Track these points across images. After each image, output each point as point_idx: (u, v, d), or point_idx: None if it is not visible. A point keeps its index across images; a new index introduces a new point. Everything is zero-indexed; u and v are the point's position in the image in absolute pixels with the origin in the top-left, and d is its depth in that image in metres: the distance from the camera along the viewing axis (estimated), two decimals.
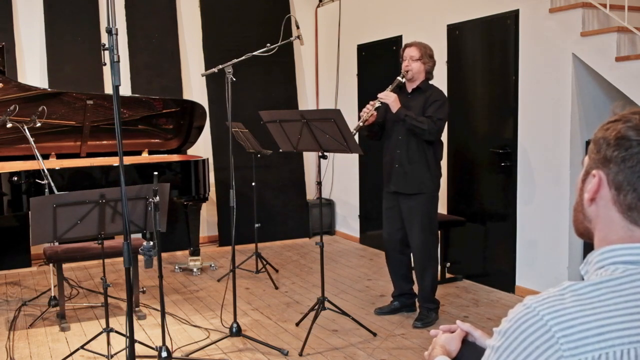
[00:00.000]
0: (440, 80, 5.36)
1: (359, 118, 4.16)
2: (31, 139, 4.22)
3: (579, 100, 4.34)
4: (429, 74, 4.22)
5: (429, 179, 4.15)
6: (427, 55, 4.17)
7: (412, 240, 4.20)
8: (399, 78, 4.14)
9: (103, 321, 3.68)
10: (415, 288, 4.42)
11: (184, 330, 4.15)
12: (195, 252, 5.71)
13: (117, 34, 2.46)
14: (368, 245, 6.58)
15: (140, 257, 3.59)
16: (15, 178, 4.61)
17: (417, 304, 4.34)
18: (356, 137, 3.94)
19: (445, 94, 5.29)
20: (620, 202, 1.00)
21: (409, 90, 4.22)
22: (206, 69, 6.30)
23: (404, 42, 5.84)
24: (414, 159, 4.13)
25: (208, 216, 6.78)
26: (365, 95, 6.53)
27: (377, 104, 4.09)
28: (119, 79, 2.42)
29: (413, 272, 4.42)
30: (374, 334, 4.01)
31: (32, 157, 4.58)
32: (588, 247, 4.27)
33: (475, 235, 5.12)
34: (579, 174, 1.09)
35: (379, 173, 4.39)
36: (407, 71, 4.15)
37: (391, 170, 4.23)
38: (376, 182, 6.32)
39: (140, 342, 3.74)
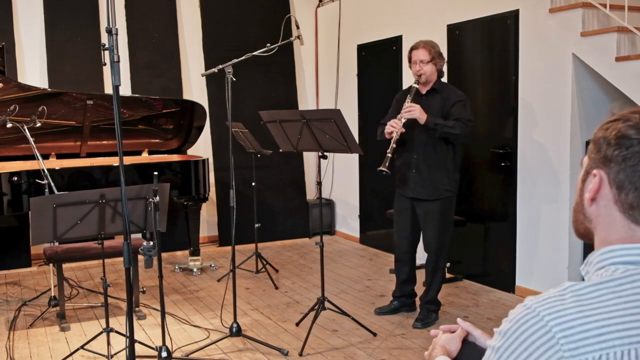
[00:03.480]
0: None
1: (384, 140, 3.99)
2: (31, 139, 4.22)
3: (579, 100, 4.34)
4: (440, 72, 4.11)
5: (447, 184, 4.06)
6: (437, 54, 4.03)
7: (428, 242, 4.16)
8: (414, 85, 3.98)
9: (103, 321, 3.68)
10: (416, 288, 4.43)
11: (184, 330, 4.15)
12: (195, 252, 5.71)
13: (117, 34, 2.45)
14: (368, 245, 6.58)
15: (140, 257, 3.59)
16: (15, 178, 4.61)
17: (418, 304, 4.33)
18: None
19: None
20: (621, 202, 1.00)
21: (423, 92, 4.10)
22: (206, 69, 6.31)
23: (404, 42, 5.85)
24: (432, 165, 4.04)
25: (208, 216, 6.78)
26: (365, 95, 6.54)
27: (404, 120, 3.91)
28: (119, 79, 2.42)
29: (416, 271, 4.43)
30: (374, 334, 4.01)
31: (32, 157, 4.58)
32: (588, 248, 4.27)
33: (475, 235, 5.12)
34: (579, 174, 1.09)
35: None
36: (420, 75, 4.00)
37: (407, 175, 4.13)
38: (376, 182, 6.33)
39: (140, 342, 3.74)
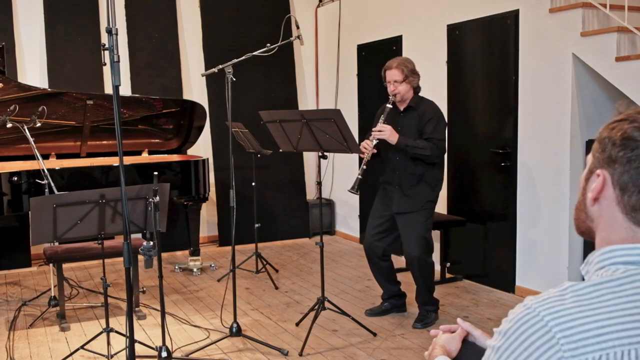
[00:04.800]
0: (440, 80, 5.37)
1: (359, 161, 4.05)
2: (31, 139, 4.22)
3: (579, 100, 4.34)
4: (416, 88, 4.13)
5: (430, 197, 4.11)
6: (410, 72, 4.04)
7: (408, 250, 4.15)
8: (388, 105, 4.03)
9: (103, 321, 3.68)
10: (403, 287, 4.42)
11: (184, 330, 4.15)
12: (195, 252, 5.71)
13: (117, 34, 2.45)
14: None
15: (140, 257, 3.59)
16: (15, 178, 4.61)
17: (418, 305, 4.32)
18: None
19: (446, 94, 5.33)
20: (624, 203, 0.99)
21: (401, 109, 4.14)
22: (206, 69, 6.30)
23: (404, 42, 5.86)
24: (414, 180, 4.07)
25: (208, 216, 6.78)
26: (365, 95, 6.53)
27: (375, 142, 3.98)
28: (119, 79, 2.42)
29: (401, 273, 4.44)
30: (374, 334, 4.01)
31: (32, 157, 4.58)
32: (588, 247, 4.28)
33: (475, 235, 5.12)
34: (582, 172, 1.09)
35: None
36: (394, 95, 4.05)
37: (391, 191, 4.18)
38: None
39: (140, 342, 3.74)
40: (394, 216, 4.18)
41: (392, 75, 4.04)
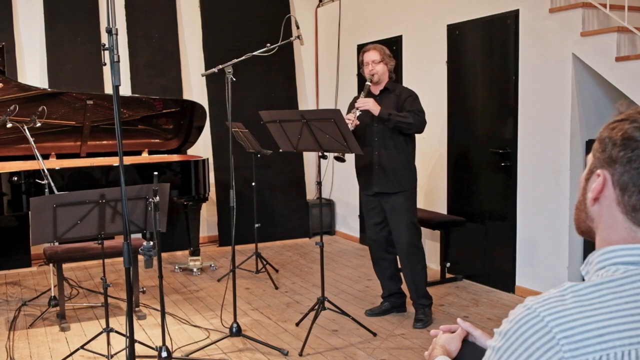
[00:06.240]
0: (440, 80, 5.38)
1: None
2: (31, 139, 4.22)
3: (579, 100, 4.34)
4: (391, 74, 4.25)
5: (409, 176, 4.20)
6: (387, 55, 4.20)
7: (398, 238, 4.20)
8: (368, 83, 4.17)
9: (103, 321, 3.68)
10: (404, 287, 4.42)
11: (184, 330, 4.15)
12: (195, 252, 5.71)
13: (117, 34, 2.45)
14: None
15: (140, 257, 3.59)
16: (15, 178, 4.61)
17: (412, 302, 4.29)
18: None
19: (446, 94, 5.34)
20: (624, 203, 0.99)
21: (376, 92, 4.23)
22: (206, 69, 6.30)
23: (404, 42, 5.86)
24: (393, 159, 4.15)
25: (208, 216, 6.78)
26: None
27: (358, 113, 4.08)
28: (119, 79, 2.42)
29: (401, 272, 4.42)
30: (374, 334, 4.01)
31: (32, 157, 4.58)
32: (588, 247, 4.28)
33: (475, 235, 5.12)
34: (582, 172, 1.09)
35: (359, 160, 4.40)
36: (372, 75, 4.16)
37: (371, 173, 4.24)
38: None
39: (140, 342, 3.74)
40: (380, 202, 4.23)
41: (370, 55, 4.20)
